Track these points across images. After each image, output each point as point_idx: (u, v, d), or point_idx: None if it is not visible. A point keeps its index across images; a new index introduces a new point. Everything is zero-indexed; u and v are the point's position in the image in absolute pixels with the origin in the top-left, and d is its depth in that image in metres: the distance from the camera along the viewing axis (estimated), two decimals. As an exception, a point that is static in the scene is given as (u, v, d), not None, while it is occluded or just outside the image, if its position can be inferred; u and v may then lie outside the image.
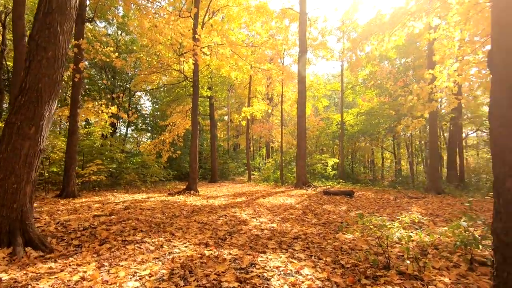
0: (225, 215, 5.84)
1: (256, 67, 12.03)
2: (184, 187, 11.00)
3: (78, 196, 7.98)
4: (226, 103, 26.15)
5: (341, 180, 14.78)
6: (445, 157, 23.25)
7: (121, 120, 22.21)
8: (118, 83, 19.63)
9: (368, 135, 19.27)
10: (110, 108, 9.11)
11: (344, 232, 4.57)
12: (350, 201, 8.27)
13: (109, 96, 8.64)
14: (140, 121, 22.74)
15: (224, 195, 9.96)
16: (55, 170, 9.47)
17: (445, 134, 22.06)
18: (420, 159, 23.57)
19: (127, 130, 24.20)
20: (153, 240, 3.95)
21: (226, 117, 32.17)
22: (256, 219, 5.62)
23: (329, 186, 12.57)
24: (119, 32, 19.64)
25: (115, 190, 10.28)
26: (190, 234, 4.34)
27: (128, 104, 21.49)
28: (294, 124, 26.99)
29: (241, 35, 15.44)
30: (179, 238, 4.10)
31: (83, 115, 9.75)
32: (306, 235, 4.44)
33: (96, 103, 8.56)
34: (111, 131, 12.49)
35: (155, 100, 23.74)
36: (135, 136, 28.65)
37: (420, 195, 9.62)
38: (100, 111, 8.91)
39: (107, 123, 12.02)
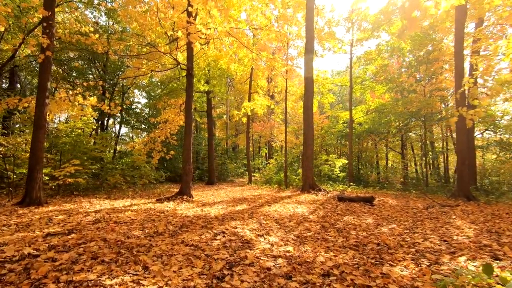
0: (223, 232, 4.49)
1: (259, 57, 10.68)
2: (178, 190, 9.64)
3: (44, 204, 6.59)
4: (225, 100, 24.77)
5: (351, 183, 13.46)
6: (452, 159, 22.07)
7: (116, 118, 20.79)
8: (108, 77, 18.22)
9: (376, 134, 17.95)
10: (89, 99, 7.75)
11: (393, 264, 3.23)
12: (372, 209, 6.94)
13: (85, 84, 7.28)
14: (133, 118, 21.32)
15: (222, 201, 8.61)
16: (24, 171, 8.07)
17: (453, 134, 20.90)
18: (426, 160, 22.33)
19: (120, 128, 22.80)
20: (112, 282, 2.59)
21: (224, 116, 30.83)
22: (264, 238, 4.28)
23: (340, 190, 11.24)
24: (111, 23, 18.28)
25: (96, 195, 8.89)
26: (172, 268, 2.98)
27: (122, 99, 20.09)
28: (297, 122, 25.67)
29: (241, 23, 14.11)
30: (154, 277, 2.74)
31: (63, 106, 8.37)
32: (340, 268, 3.10)
33: (70, 92, 7.18)
34: (94, 127, 11.09)
35: (150, 96, 22.34)
36: (131, 135, 27.22)
37: (450, 201, 8.31)
38: (76, 102, 7.54)
39: (91, 118, 10.66)
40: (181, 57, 12.36)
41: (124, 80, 16.29)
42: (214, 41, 11.73)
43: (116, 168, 12.14)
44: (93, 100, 7.71)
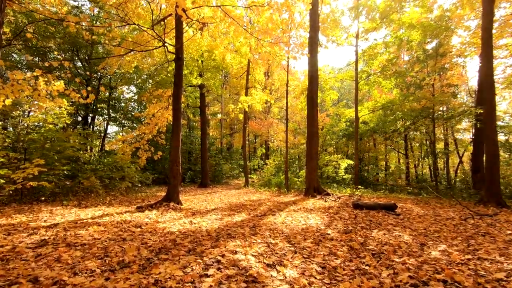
0: (218, 261, 3.17)
1: (259, 43, 9.41)
2: (164, 195, 8.25)
3: (-12, 215, 5.17)
4: (220, 96, 23.41)
5: (359, 186, 12.26)
6: (451, 161, 21.23)
7: (103, 115, 19.19)
8: (93, 70, 16.70)
9: (382, 133, 16.84)
10: (54, 84, 6.38)
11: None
12: (400, 220, 5.71)
13: (46, 64, 5.94)
14: (121, 115, 19.77)
15: (217, 209, 7.28)
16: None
17: (456, 135, 20.08)
18: (436, 161, 21.37)
19: (107, 126, 21.24)
20: None
21: (219, 115, 29.44)
22: (277, 271, 2.97)
23: (349, 195, 10.02)
24: (95, 10, 16.78)
25: (64, 202, 7.45)
26: None
27: (109, 94, 18.61)
28: (295, 121, 24.46)
29: (239, 10, 12.87)
30: None
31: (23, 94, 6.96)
32: None
33: (29, 74, 5.77)
34: (68, 122, 9.63)
35: (138, 91, 20.84)
36: (121, 134, 25.61)
37: (481, 209, 7.16)
38: (39, 87, 6.15)
39: (64, 111, 9.22)
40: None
41: (107, 69, 14.83)
42: (208, 26, 10.42)
43: (97, 169, 10.71)
44: (59, 85, 6.34)
